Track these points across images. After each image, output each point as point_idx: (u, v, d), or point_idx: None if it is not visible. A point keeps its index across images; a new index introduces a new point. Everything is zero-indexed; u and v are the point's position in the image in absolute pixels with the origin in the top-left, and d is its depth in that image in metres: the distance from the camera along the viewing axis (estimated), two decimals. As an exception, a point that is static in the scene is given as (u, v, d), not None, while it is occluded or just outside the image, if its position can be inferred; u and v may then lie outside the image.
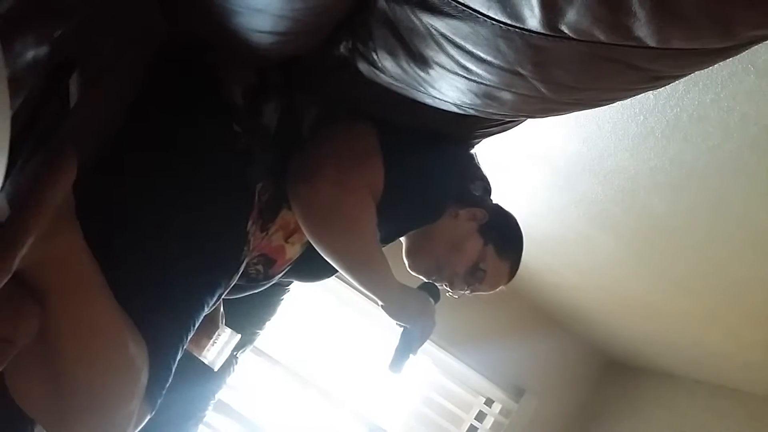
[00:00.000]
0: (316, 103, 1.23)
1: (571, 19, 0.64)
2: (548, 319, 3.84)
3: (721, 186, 1.76)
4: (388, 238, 1.33)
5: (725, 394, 3.24)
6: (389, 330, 3.36)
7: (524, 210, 2.52)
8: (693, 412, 3.34)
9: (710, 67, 0.81)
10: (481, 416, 3.80)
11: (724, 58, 0.75)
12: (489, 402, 3.83)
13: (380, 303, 1.27)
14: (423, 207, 1.29)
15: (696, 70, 0.80)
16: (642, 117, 1.67)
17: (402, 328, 1.32)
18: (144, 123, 0.97)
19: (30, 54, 0.54)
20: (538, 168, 2.24)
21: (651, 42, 0.66)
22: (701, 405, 3.33)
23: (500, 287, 1.44)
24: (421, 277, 1.41)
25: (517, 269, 1.44)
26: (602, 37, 0.66)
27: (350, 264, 1.21)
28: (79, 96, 0.70)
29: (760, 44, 0.71)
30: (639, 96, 0.98)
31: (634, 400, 3.76)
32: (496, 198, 1.49)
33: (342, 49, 0.99)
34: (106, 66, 0.82)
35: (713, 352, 2.94)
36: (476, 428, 3.75)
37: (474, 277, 1.38)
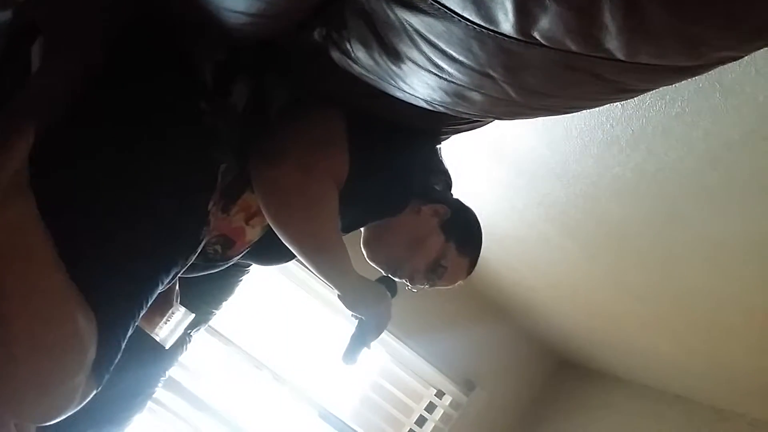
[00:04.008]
0: (286, 87, 1.22)
1: (543, 27, 0.65)
2: (503, 316, 3.89)
3: (679, 199, 1.80)
4: (349, 227, 1.33)
5: (670, 400, 3.32)
6: (344, 316, 3.38)
7: (487, 207, 2.54)
8: (637, 416, 3.42)
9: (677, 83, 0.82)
10: (431, 407, 3.84)
11: (691, 76, 0.76)
12: (440, 394, 3.87)
13: (337, 292, 1.26)
14: (386, 198, 1.29)
15: (662, 86, 0.81)
16: (609, 125, 1.70)
17: (357, 320, 1.32)
18: (108, 95, 0.95)
19: (-8, 18, 0.53)
20: (504, 167, 2.26)
21: (620, 55, 0.67)
22: (646, 410, 3.40)
23: (459, 282, 1.46)
24: (378, 268, 1.42)
25: (475, 265, 1.46)
26: (573, 47, 0.67)
27: (308, 249, 1.20)
28: (40, 64, 0.68)
29: (727, 64, 0.72)
30: (607, 105, 1.00)
31: (581, 401, 3.84)
32: (459, 194, 1.50)
33: (316, 35, 0.98)
34: (71, 35, 0.80)
35: (660, 358, 3.01)
36: (425, 419, 3.78)
37: (435, 273, 1.39)
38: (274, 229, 1.19)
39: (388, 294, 1.33)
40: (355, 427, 3.46)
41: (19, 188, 0.74)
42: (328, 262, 1.23)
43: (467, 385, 3.86)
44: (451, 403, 3.84)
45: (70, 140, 0.89)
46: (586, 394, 3.84)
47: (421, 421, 3.78)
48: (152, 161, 0.94)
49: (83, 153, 0.89)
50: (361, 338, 1.31)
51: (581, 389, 3.91)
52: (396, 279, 1.40)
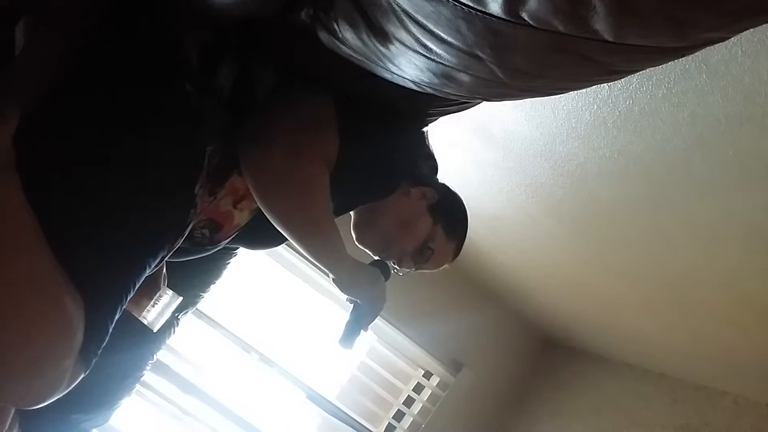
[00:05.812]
0: (274, 68, 1.21)
1: (531, 7, 0.65)
2: (490, 297, 3.91)
3: (665, 180, 1.81)
4: (338, 210, 1.32)
5: (653, 378, 3.36)
6: (331, 297, 3.38)
7: (474, 189, 2.54)
8: (622, 395, 3.46)
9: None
10: (419, 388, 3.86)
11: (678, 57, 0.76)
12: (427, 375, 3.90)
13: (332, 276, 1.26)
14: (376, 181, 1.29)
15: (650, 67, 0.81)
16: (595, 106, 1.70)
17: (353, 304, 1.32)
18: (92, 76, 0.93)
19: (-28, -2, 0.52)
20: (491, 149, 2.26)
21: (608, 36, 0.67)
22: (629, 388, 3.45)
23: (445, 265, 1.46)
24: (367, 251, 1.42)
25: (461, 249, 1.46)
26: (561, 28, 0.67)
27: (301, 233, 1.19)
28: (24, 44, 0.67)
29: (713, 45, 0.72)
30: (594, 86, 1.00)
31: (566, 380, 3.88)
32: (447, 175, 1.50)
33: (303, 15, 0.97)
34: (55, 15, 0.79)
35: (645, 337, 3.04)
36: (413, 399, 3.81)
37: (422, 255, 1.39)
38: (265, 213, 1.17)
39: (382, 278, 1.33)
40: (343, 408, 3.48)
41: (4, 170, 0.73)
42: (321, 246, 1.22)
43: (454, 366, 3.89)
44: (438, 383, 3.87)
45: (55, 122, 0.88)
46: (572, 374, 3.88)
47: (409, 402, 3.81)
48: (138, 142, 0.93)
49: (68, 135, 0.88)
50: (357, 322, 1.31)
51: (567, 369, 3.95)
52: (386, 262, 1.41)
